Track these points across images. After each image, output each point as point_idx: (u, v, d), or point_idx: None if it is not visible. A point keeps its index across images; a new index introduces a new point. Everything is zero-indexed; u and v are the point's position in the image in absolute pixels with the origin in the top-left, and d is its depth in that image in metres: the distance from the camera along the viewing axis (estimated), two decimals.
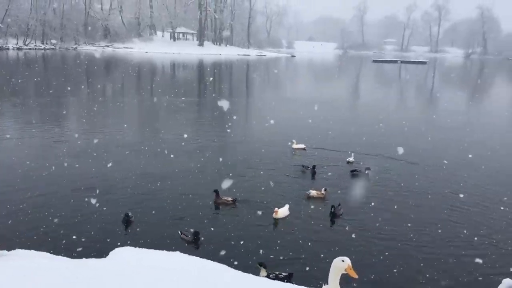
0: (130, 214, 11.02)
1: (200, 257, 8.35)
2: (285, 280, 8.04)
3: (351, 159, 16.91)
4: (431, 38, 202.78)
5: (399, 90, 51.73)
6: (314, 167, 15.42)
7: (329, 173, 15.50)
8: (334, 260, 5.02)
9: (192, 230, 10.29)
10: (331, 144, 19.59)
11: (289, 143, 18.79)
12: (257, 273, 8.36)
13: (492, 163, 17.38)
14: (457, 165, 16.93)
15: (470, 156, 18.23)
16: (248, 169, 15.73)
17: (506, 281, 8.47)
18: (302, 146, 18.82)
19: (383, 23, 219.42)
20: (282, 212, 11.52)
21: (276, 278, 8.21)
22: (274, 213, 11.41)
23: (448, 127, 25.54)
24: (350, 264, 4.95)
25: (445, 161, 17.11)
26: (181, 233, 10.29)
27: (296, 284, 7.42)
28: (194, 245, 9.96)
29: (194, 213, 11.77)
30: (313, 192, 13.08)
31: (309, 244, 10.19)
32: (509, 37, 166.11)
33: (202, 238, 10.16)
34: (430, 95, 47.36)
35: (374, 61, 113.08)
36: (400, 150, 18.08)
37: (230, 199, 12.38)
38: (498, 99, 43.77)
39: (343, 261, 4.95)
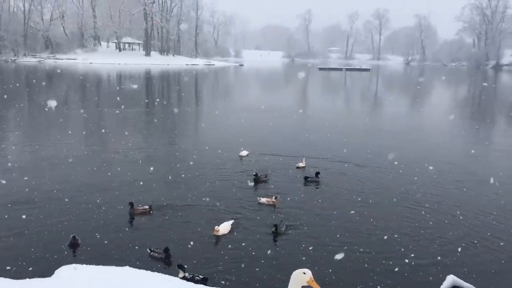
0: (76, 237, 10.25)
1: (151, 270, 8.22)
2: (201, 283, 8.41)
3: (302, 164, 17.14)
4: (373, 46, 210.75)
5: (345, 96, 53.25)
6: (256, 174, 15.25)
7: (280, 180, 15.60)
8: (294, 273, 4.92)
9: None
10: (282, 150, 19.77)
11: (241, 152, 18.81)
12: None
13: (436, 163, 18.12)
14: (403, 165, 17.51)
15: (415, 156, 19.04)
16: (195, 178, 15.53)
17: (450, 277, 8.89)
18: (245, 153, 18.73)
19: (328, 32, 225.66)
20: (223, 229, 10.95)
21: (192, 279, 8.48)
22: (214, 232, 10.80)
23: (392, 129, 26.53)
24: (312, 276, 4.88)
25: (394, 162, 17.70)
26: (151, 251, 9.81)
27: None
28: (165, 262, 9.57)
29: (137, 225, 11.52)
30: (263, 200, 13.08)
31: (256, 258, 9.84)
32: (445, 44, 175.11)
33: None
34: (374, 100, 49.05)
35: (321, 69, 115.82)
36: (349, 153, 18.65)
37: (146, 206, 12.24)
38: (437, 102, 45.98)
39: (304, 273, 4.85)
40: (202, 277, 8.71)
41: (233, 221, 11.44)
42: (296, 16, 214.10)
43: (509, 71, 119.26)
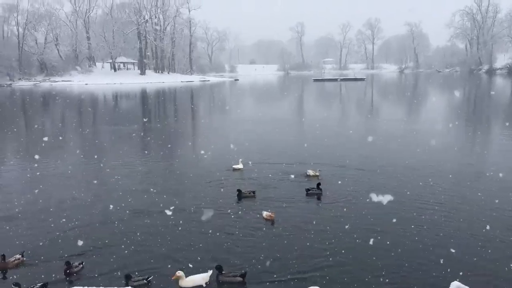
0: (72, 263, 9.79)
1: None
2: None
3: (312, 172, 17.03)
4: (366, 56, 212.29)
5: (342, 105, 53.32)
6: (239, 190, 14.85)
7: (279, 191, 15.41)
8: None
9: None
10: (282, 160, 19.69)
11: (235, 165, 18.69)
12: None
13: (433, 165, 18.14)
14: (406, 171, 17.52)
15: (411, 159, 18.96)
16: (187, 192, 15.39)
17: (454, 284, 8.76)
18: (239, 166, 18.50)
19: (321, 43, 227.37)
20: (191, 280, 9.27)
21: None
22: (173, 277, 9.23)
23: (389, 135, 26.43)
24: None
25: (397, 168, 17.66)
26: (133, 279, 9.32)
27: None
28: None
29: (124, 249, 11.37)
30: (265, 214, 12.80)
31: None
32: (438, 51, 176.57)
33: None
34: (370, 107, 49.09)
35: (315, 80, 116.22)
36: (348, 160, 18.62)
37: (18, 256, 10.31)
38: (430, 107, 46.02)
39: None
40: (41, 283, 8.87)
41: (210, 273, 9.54)
42: (288, 29, 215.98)
43: (502, 75, 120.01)
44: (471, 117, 38.13)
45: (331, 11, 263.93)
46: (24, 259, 10.36)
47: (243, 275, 9.34)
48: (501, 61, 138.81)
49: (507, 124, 30.48)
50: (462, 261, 10.01)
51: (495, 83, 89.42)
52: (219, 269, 9.45)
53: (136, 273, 9.42)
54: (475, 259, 10.13)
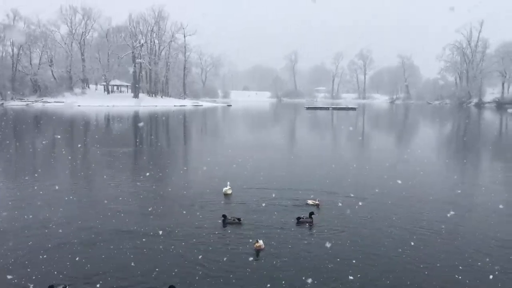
0: (55, 286, 9.52)
1: None
2: None
3: (312, 202, 16.86)
4: (358, 86, 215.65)
5: (334, 134, 53.66)
6: (224, 216, 14.59)
7: (269, 218, 15.18)
8: None
9: None
10: (276, 186, 19.58)
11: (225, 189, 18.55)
12: None
13: (427, 193, 18.13)
14: (396, 197, 17.45)
15: (405, 188, 18.90)
16: (175, 216, 15.28)
17: None
18: (229, 190, 18.33)
19: (314, 72, 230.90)
20: None
21: None
22: None
23: (382, 163, 26.53)
24: None
25: (386, 195, 17.69)
26: None
27: None
28: None
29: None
30: (259, 243, 12.33)
31: None
32: (428, 83, 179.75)
33: None
34: (362, 136, 49.42)
35: (308, 108, 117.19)
36: (341, 187, 18.57)
37: None
38: (419, 137, 46.47)
39: None
40: None
41: None
42: (282, 57, 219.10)
43: (490, 108, 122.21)
44: (460, 148, 38.48)
45: (325, 41, 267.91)
46: None
47: None
48: (490, 94, 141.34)
49: (497, 156, 30.78)
50: None
51: (483, 116, 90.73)
52: None
53: None
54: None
